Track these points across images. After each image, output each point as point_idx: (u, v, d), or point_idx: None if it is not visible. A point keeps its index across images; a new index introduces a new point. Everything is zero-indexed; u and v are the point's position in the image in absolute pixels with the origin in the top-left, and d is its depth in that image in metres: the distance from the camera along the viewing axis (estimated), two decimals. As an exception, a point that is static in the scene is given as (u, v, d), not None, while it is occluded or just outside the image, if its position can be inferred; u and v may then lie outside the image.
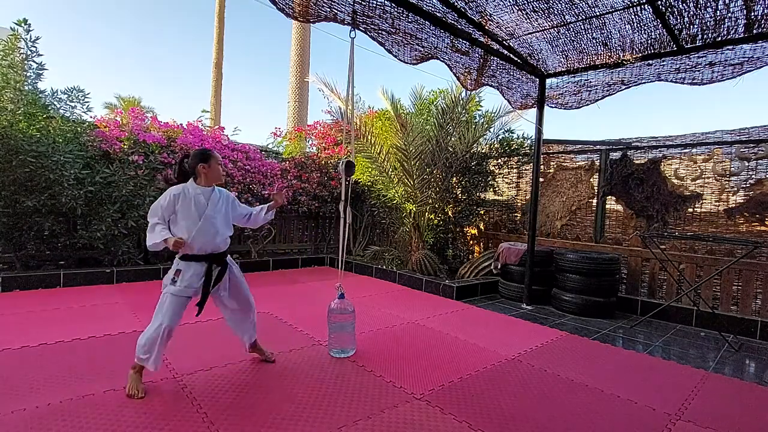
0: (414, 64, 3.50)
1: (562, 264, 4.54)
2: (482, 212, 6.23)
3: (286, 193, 2.64)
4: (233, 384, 2.35)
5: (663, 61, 3.84)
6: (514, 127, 6.11)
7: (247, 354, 2.75)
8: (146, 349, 2.17)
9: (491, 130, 6.02)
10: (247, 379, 2.43)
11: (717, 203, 4.36)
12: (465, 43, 3.77)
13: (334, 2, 2.81)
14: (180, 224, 2.27)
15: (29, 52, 4.41)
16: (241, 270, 2.59)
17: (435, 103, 6.53)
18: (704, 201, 4.44)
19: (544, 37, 3.89)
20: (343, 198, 2.95)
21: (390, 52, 3.33)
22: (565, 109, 4.69)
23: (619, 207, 5.08)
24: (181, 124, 5.78)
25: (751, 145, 4.19)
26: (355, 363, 2.75)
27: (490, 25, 3.67)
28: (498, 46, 3.99)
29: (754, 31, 3.27)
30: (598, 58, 4.09)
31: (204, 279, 2.30)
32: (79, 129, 4.73)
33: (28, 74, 4.45)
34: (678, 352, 3.35)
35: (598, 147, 5.31)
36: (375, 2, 3.01)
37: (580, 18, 3.48)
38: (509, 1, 3.30)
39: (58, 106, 4.65)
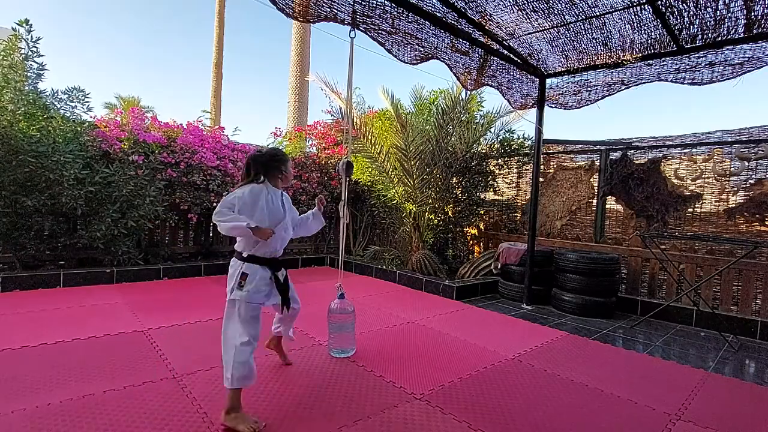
0: (414, 64, 3.51)
1: (562, 264, 4.54)
2: (482, 212, 6.23)
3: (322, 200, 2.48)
4: (233, 384, 2.35)
5: (663, 61, 3.84)
6: (514, 128, 6.12)
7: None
8: (242, 369, 1.94)
9: (492, 130, 6.03)
10: (247, 379, 2.43)
11: (717, 203, 4.36)
12: (465, 43, 3.77)
13: (334, 2, 2.81)
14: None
15: (30, 53, 4.40)
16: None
17: (435, 103, 6.53)
18: (704, 201, 4.44)
19: (544, 37, 3.89)
20: (342, 198, 2.95)
21: (390, 52, 3.33)
22: (565, 109, 4.69)
23: (619, 207, 5.08)
24: (181, 124, 5.78)
25: (751, 145, 4.18)
26: (355, 363, 2.75)
27: (490, 25, 3.67)
28: (498, 46, 3.98)
29: (754, 31, 3.27)
30: (598, 58, 4.09)
31: (275, 284, 2.22)
32: (79, 129, 4.72)
33: (29, 74, 4.45)
34: (678, 352, 3.35)
35: (598, 147, 5.31)
36: (375, 2, 3.01)
37: (580, 18, 3.48)
38: (509, 1, 3.30)
39: (59, 106, 4.65)
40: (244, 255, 2.13)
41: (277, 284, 2.22)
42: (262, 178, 2.19)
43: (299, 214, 2.49)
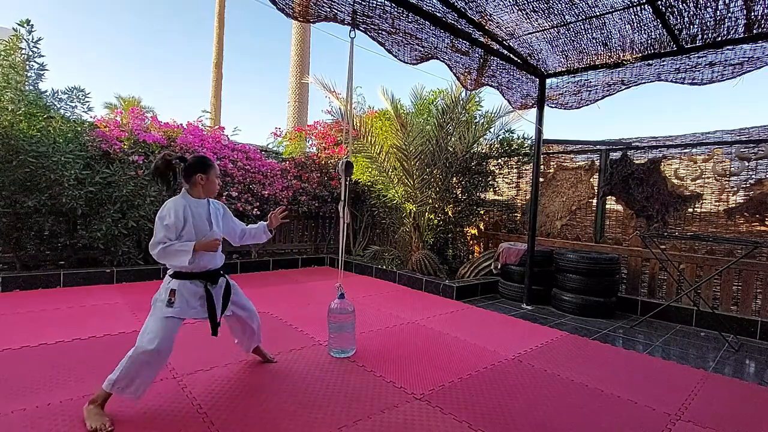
0: (414, 64, 3.50)
1: (562, 264, 4.53)
2: (482, 212, 6.23)
3: (282, 212, 2.46)
4: (233, 384, 2.35)
5: (663, 61, 3.84)
6: (514, 127, 6.12)
7: (248, 354, 2.74)
8: (130, 377, 1.88)
9: (491, 130, 6.03)
10: (247, 379, 2.44)
11: (717, 203, 4.36)
12: (465, 43, 3.77)
13: (334, 2, 2.81)
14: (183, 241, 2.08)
15: (31, 53, 4.41)
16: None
17: (435, 103, 6.54)
18: (704, 201, 4.44)
19: (544, 37, 3.89)
20: (342, 198, 2.95)
21: (390, 52, 3.33)
22: (565, 109, 4.69)
23: (619, 207, 5.08)
24: (181, 124, 5.78)
25: (751, 145, 4.18)
26: (355, 363, 2.75)
27: (490, 25, 3.67)
28: (498, 46, 3.98)
29: (754, 31, 3.27)
30: (598, 58, 4.09)
31: (206, 299, 2.15)
32: (79, 129, 4.73)
33: (29, 75, 4.45)
34: (678, 352, 3.35)
35: (598, 147, 5.31)
36: (375, 2, 3.01)
37: (580, 18, 3.48)
38: (509, 1, 3.30)
39: (59, 106, 4.65)
40: (171, 273, 2.10)
41: (208, 298, 2.14)
42: (182, 188, 2.17)
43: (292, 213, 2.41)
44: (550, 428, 2.05)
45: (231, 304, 2.35)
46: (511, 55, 4.14)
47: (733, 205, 4.25)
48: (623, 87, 4.15)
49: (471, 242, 6.52)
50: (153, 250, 2.03)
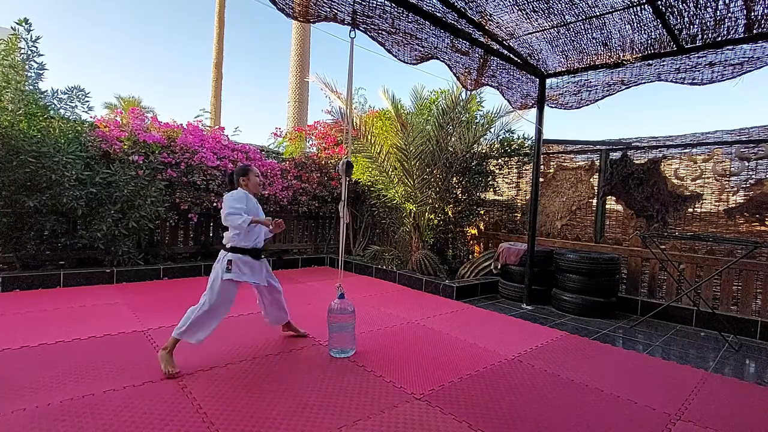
0: (414, 64, 3.51)
1: (562, 264, 4.53)
2: (482, 212, 6.23)
3: (279, 224, 2.88)
4: (233, 384, 2.35)
5: (663, 61, 3.84)
6: (514, 128, 6.12)
7: (247, 354, 2.76)
8: (195, 327, 2.52)
9: (492, 130, 6.02)
10: (247, 379, 2.44)
11: (717, 203, 4.36)
12: (465, 43, 3.77)
13: (334, 2, 2.82)
14: None
15: (30, 53, 4.41)
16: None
17: (435, 103, 6.53)
18: (704, 201, 4.44)
19: (544, 37, 3.89)
20: (342, 198, 2.96)
21: (390, 52, 3.33)
22: (565, 109, 4.69)
23: (619, 207, 5.08)
24: (181, 124, 5.78)
25: (751, 145, 4.18)
26: (355, 363, 2.75)
27: (490, 25, 3.67)
28: (498, 46, 3.98)
29: (754, 31, 3.27)
30: (598, 58, 4.09)
31: (258, 267, 2.82)
32: (79, 129, 4.73)
33: (29, 74, 4.45)
34: (678, 352, 3.35)
35: (598, 147, 5.31)
36: (375, 2, 3.01)
37: (580, 18, 3.48)
38: (509, 1, 3.30)
39: (59, 106, 4.65)
40: (228, 246, 2.71)
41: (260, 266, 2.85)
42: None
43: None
44: (549, 428, 2.05)
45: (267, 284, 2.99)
46: (511, 55, 4.14)
47: (733, 205, 4.25)
48: (623, 87, 4.15)
49: (471, 242, 6.52)
50: (228, 216, 2.60)
